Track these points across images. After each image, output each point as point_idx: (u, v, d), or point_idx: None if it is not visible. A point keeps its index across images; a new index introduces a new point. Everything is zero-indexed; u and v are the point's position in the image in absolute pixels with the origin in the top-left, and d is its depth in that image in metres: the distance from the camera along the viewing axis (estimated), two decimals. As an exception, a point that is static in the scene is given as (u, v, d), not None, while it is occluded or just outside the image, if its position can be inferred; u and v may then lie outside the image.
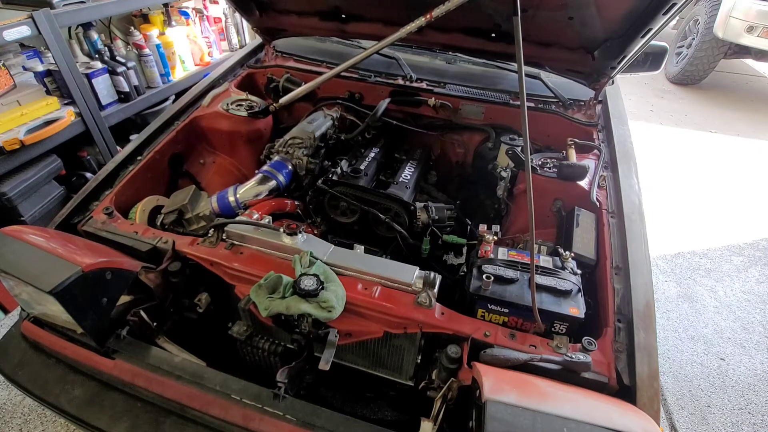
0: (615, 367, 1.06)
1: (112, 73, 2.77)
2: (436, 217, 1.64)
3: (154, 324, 1.31)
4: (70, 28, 2.83)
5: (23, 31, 2.20)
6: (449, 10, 1.44)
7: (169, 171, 1.81)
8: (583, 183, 1.58)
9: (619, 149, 1.73)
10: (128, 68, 2.82)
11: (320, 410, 1.07)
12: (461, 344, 1.12)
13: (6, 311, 2.41)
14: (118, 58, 2.83)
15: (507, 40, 1.82)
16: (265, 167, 1.73)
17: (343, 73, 1.91)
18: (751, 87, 6.11)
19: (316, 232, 1.72)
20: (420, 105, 2.09)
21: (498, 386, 0.90)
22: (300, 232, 1.29)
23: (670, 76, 5.89)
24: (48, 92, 2.53)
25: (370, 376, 1.39)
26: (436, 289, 1.19)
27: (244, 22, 3.79)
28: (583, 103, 2.03)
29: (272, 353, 1.30)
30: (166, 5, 3.22)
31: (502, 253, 1.34)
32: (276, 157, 1.79)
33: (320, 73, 1.91)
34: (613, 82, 1.92)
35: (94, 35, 2.82)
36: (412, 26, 1.56)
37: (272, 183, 1.68)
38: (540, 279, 1.22)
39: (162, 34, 3.14)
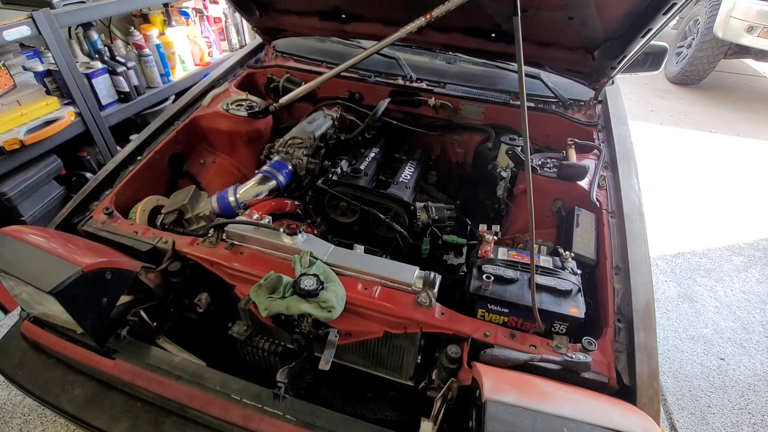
0: (615, 367, 1.06)
1: (112, 73, 2.77)
2: (436, 217, 1.64)
3: (154, 324, 1.31)
4: (70, 28, 2.83)
5: (23, 31, 2.20)
6: (449, 10, 1.44)
7: (169, 171, 1.81)
8: (583, 183, 1.58)
9: (619, 149, 1.73)
10: (128, 68, 2.82)
11: (320, 410, 1.07)
12: (461, 344, 1.12)
13: (6, 311, 2.42)
14: (118, 58, 2.83)
15: (507, 40, 1.82)
16: (265, 167, 1.73)
17: (343, 73, 1.91)
18: (751, 87, 6.11)
19: (316, 232, 1.72)
20: (420, 105, 2.09)
21: (498, 386, 0.90)
22: (300, 232, 1.29)
23: (670, 76, 5.89)
24: (48, 92, 2.53)
25: (370, 376, 1.39)
26: (436, 289, 1.19)
27: (244, 22, 3.79)
28: (583, 103, 2.03)
29: (272, 353, 1.30)
30: (166, 5, 3.22)
31: (502, 253, 1.34)
32: (276, 157, 1.79)
33: (320, 73, 1.91)
34: (613, 82, 1.92)
35: (94, 35, 2.82)
36: (412, 26, 1.56)
37: (272, 183, 1.68)
38: (540, 279, 1.22)
39: (162, 34, 3.14)
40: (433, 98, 2.04)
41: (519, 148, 1.76)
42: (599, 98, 2.02)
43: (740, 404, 2.24)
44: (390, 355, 1.32)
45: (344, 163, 1.80)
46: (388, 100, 2.03)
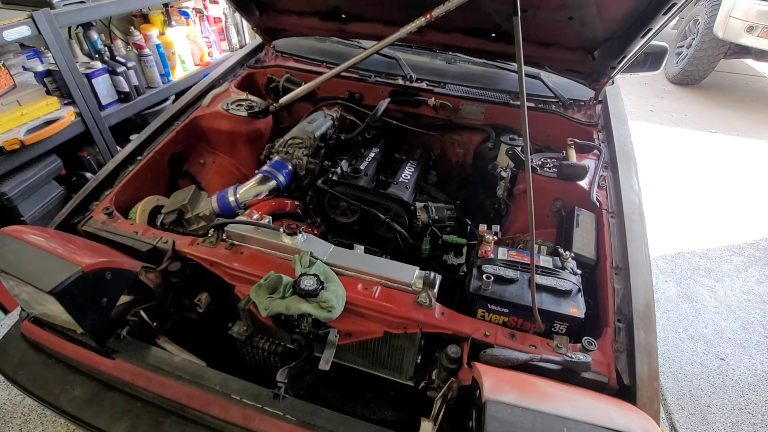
0: (615, 367, 1.06)
1: (112, 73, 2.77)
2: (436, 217, 1.64)
3: (154, 324, 1.31)
4: (70, 28, 2.83)
5: (23, 31, 2.20)
6: (449, 10, 1.44)
7: (169, 171, 1.81)
8: (583, 183, 1.58)
9: (619, 149, 1.73)
10: (128, 68, 2.82)
11: (320, 410, 1.07)
12: (461, 344, 1.12)
13: (6, 311, 2.42)
14: (118, 58, 2.83)
15: (507, 40, 1.82)
16: (265, 167, 1.73)
17: (343, 73, 1.91)
18: (751, 87, 6.11)
19: (316, 232, 1.72)
20: (420, 105, 2.09)
21: (498, 386, 0.90)
22: (300, 232, 1.29)
23: (670, 76, 5.89)
24: (48, 92, 2.53)
25: (370, 376, 1.39)
26: (436, 289, 1.19)
27: (244, 22, 3.79)
28: (583, 103, 2.03)
29: (272, 353, 1.30)
30: (166, 5, 3.22)
31: (502, 253, 1.34)
32: (276, 157, 1.79)
33: (320, 73, 1.91)
34: (613, 82, 1.92)
35: (94, 35, 2.82)
36: (412, 26, 1.56)
37: (272, 183, 1.68)
38: (540, 279, 1.22)
39: (162, 34, 3.14)
40: (433, 98, 2.04)
41: (519, 148, 1.76)
42: (599, 98, 2.02)
43: (740, 404, 2.24)
44: (390, 355, 1.32)
45: (344, 163, 1.80)
46: (388, 100, 2.02)
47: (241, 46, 3.74)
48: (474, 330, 1.13)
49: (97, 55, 2.79)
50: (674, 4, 1.33)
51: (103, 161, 2.80)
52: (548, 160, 1.71)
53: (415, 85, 2.11)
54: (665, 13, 1.38)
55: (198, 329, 1.41)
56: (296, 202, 1.77)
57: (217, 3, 3.67)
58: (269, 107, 1.94)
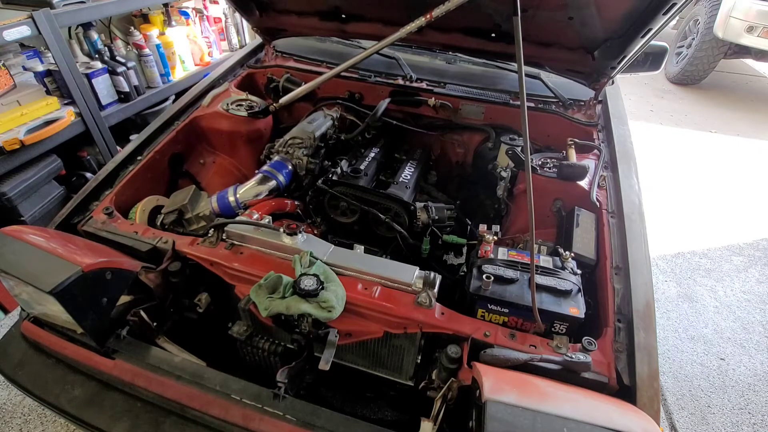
0: (615, 367, 1.06)
1: (112, 73, 2.77)
2: (436, 217, 1.64)
3: (154, 324, 1.31)
4: (70, 28, 2.83)
5: (23, 31, 2.20)
6: (449, 10, 1.44)
7: (169, 171, 1.81)
8: (583, 183, 1.58)
9: (619, 149, 1.73)
10: (128, 68, 2.82)
11: (320, 410, 1.07)
12: (461, 344, 1.12)
13: (6, 311, 2.41)
14: (118, 58, 2.83)
15: (507, 40, 1.82)
16: (265, 167, 1.73)
17: (343, 73, 1.91)
18: (751, 87, 6.11)
19: (316, 232, 1.72)
20: (420, 105, 2.09)
21: (498, 386, 0.90)
22: (300, 232, 1.29)
23: (670, 76, 5.89)
24: (48, 92, 2.53)
25: (370, 376, 1.39)
26: (436, 289, 1.19)
27: (244, 22, 3.79)
28: (583, 103, 2.03)
29: (272, 353, 1.30)
30: (166, 5, 3.22)
31: (502, 253, 1.34)
32: (276, 157, 1.79)
33: (320, 73, 1.91)
34: (613, 82, 1.92)
35: (94, 35, 2.82)
36: (412, 26, 1.56)
37: (272, 183, 1.68)
38: (540, 279, 1.22)
39: (162, 34, 3.14)
40: (433, 98, 2.04)
41: (519, 148, 1.76)
42: (599, 98, 2.02)
43: (740, 404, 2.24)
44: (390, 355, 1.32)
45: (344, 163, 1.80)
46: (388, 100, 2.02)
47: (241, 46, 3.74)
48: (474, 330, 1.13)
49: (97, 55, 2.79)
50: (674, 4, 1.33)
51: (103, 161, 2.80)
52: (548, 160, 1.71)
53: (415, 85, 2.11)
54: (665, 13, 1.38)
55: (198, 329, 1.41)
56: (296, 202, 1.77)
57: (217, 3, 3.67)
58: (269, 107, 1.94)
